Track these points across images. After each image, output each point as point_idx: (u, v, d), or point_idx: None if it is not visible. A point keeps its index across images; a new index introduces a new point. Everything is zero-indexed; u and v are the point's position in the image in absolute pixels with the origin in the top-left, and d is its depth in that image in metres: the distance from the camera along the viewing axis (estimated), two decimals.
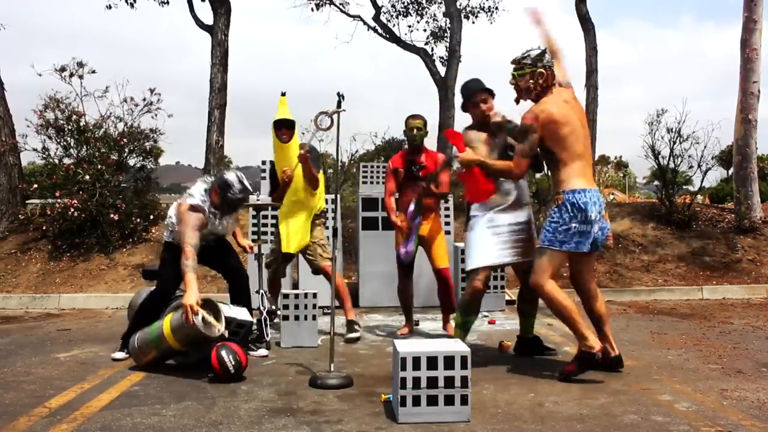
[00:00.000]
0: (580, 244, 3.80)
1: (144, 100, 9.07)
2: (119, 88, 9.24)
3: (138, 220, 8.54)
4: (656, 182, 13.44)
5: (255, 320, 4.74)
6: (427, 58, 13.14)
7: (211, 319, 3.97)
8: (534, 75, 3.88)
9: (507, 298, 6.74)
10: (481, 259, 4.11)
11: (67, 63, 9.04)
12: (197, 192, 4.29)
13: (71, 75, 9.02)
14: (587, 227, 3.77)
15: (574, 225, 3.76)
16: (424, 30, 14.30)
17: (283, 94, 4.89)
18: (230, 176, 4.26)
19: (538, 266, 3.86)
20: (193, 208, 4.21)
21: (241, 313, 4.33)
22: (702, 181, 9.76)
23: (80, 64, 9.08)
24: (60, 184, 8.55)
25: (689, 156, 9.49)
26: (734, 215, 9.46)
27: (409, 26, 14.21)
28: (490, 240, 4.11)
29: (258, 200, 5.78)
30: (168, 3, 10.85)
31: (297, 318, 4.74)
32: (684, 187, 10.99)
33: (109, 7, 10.60)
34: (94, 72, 9.18)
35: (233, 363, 3.72)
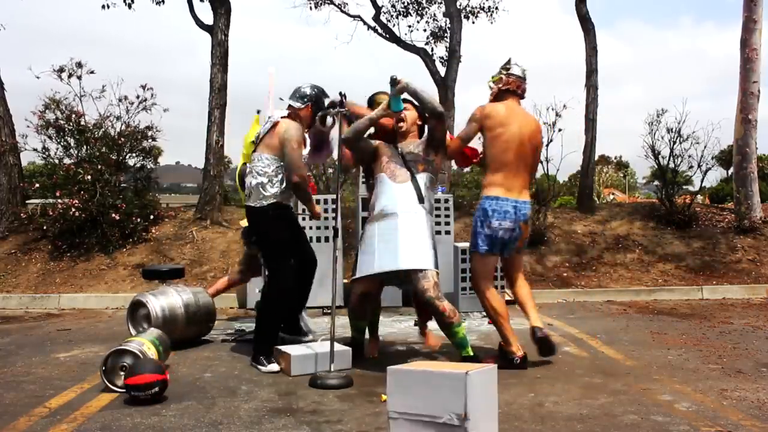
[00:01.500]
0: (491, 248, 4.06)
1: (138, 97, 9.06)
2: (114, 87, 9.19)
3: (138, 220, 8.54)
4: (656, 182, 13.44)
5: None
6: (427, 58, 13.11)
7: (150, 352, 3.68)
8: (496, 80, 4.27)
9: (507, 298, 6.73)
10: (359, 270, 4.06)
11: (65, 63, 9.03)
12: (279, 115, 4.34)
13: (70, 75, 9.00)
14: (492, 233, 4.02)
15: (483, 230, 4.04)
16: (424, 30, 14.25)
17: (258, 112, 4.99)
18: (316, 91, 4.42)
19: (472, 270, 4.20)
20: (294, 117, 4.29)
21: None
22: (702, 181, 9.76)
23: (79, 65, 9.05)
24: (60, 184, 8.56)
25: (689, 156, 9.49)
26: (734, 215, 9.46)
27: (409, 26, 14.16)
28: (368, 250, 4.01)
29: None
30: (163, 2, 10.81)
31: None
32: (684, 187, 10.97)
33: (107, 6, 10.53)
34: (92, 72, 9.15)
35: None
